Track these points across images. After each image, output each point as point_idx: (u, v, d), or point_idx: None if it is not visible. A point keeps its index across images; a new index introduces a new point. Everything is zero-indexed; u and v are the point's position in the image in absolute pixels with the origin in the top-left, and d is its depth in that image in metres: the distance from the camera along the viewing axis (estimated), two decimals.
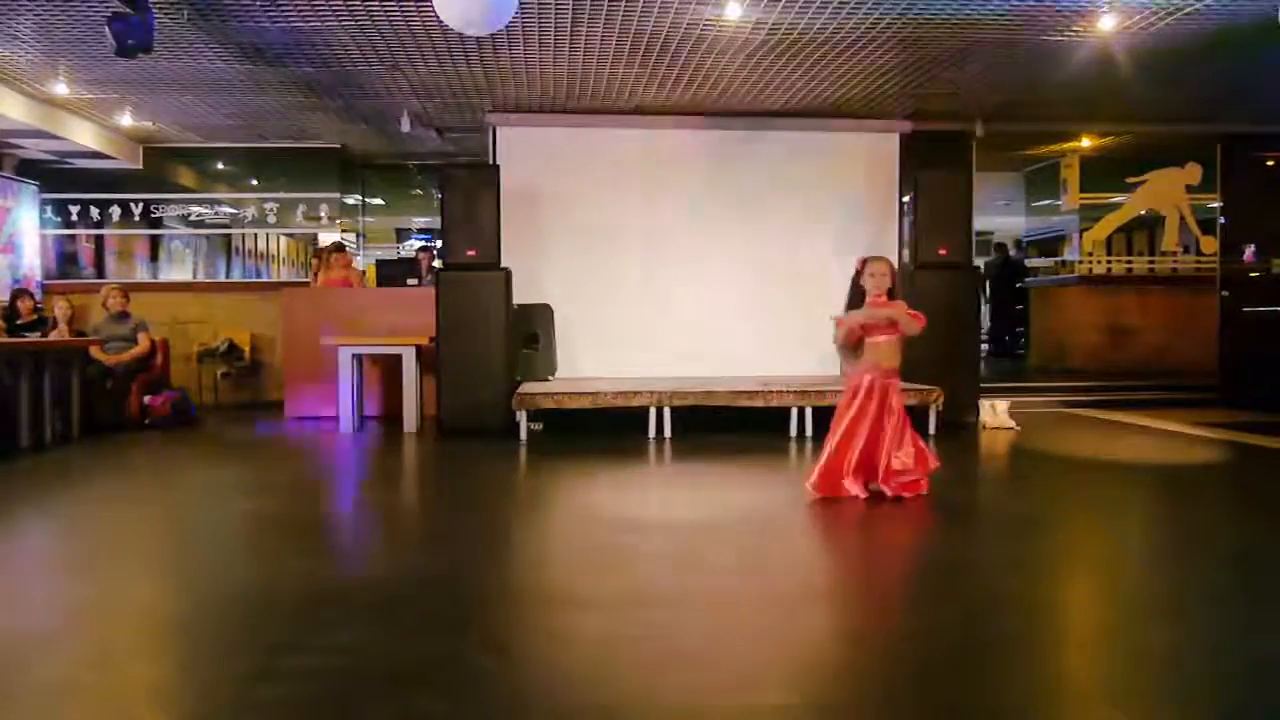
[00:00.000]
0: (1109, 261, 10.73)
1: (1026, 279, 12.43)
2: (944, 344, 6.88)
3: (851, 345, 4.78)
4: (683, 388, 7.15)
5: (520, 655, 2.66)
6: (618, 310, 8.56)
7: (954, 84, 7.79)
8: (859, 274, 4.77)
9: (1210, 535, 4.23)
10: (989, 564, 3.73)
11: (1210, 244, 10.49)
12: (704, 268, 8.65)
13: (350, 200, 11.20)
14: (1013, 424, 7.45)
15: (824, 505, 4.58)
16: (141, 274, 10.80)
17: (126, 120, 8.76)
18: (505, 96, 8.21)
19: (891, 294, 4.75)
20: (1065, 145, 10.54)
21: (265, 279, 11.09)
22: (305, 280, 10.11)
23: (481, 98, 8.26)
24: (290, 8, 5.97)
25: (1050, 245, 11.92)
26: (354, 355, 7.57)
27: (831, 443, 4.72)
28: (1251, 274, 9.52)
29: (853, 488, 4.62)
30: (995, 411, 7.50)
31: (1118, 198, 10.64)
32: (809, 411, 7.05)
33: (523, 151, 8.52)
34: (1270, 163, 10.37)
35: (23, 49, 6.73)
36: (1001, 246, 14.02)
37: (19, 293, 8.61)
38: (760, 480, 5.67)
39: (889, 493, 4.62)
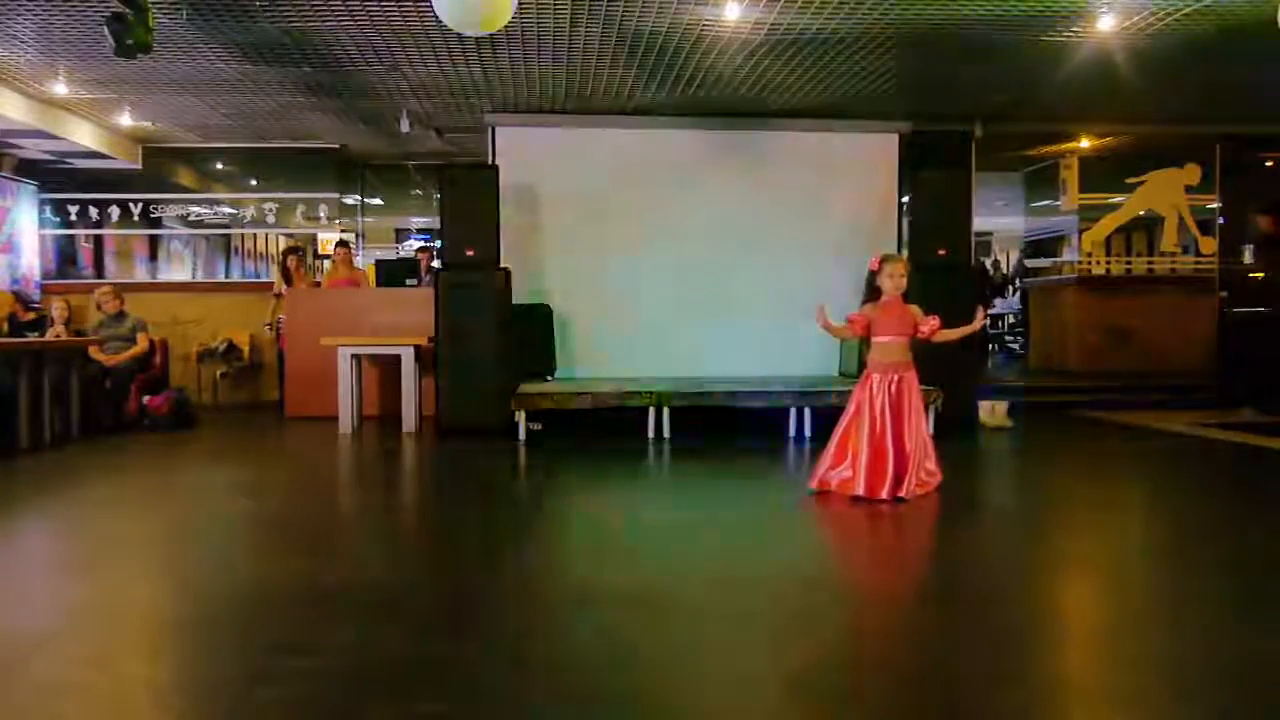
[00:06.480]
0: (1108, 262, 10.73)
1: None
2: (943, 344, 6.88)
3: (850, 337, 4.82)
4: (682, 388, 7.15)
5: (520, 655, 2.65)
6: (617, 310, 8.55)
7: (953, 84, 7.80)
8: (875, 272, 4.75)
9: (1209, 535, 4.23)
10: (990, 563, 3.73)
11: (1209, 244, 10.50)
12: (704, 268, 8.64)
13: (349, 200, 11.20)
14: (1011, 424, 7.46)
15: (824, 505, 4.58)
16: (141, 274, 10.81)
17: (126, 120, 8.76)
18: (504, 96, 8.21)
19: (905, 296, 4.74)
20: (1065, 145, 10.54)
21: (265, 279, 11.09)
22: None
23: (480, 98, 8.26)
24: (290, 8, 5.97)
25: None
26: (353, 355, 7.57)
27: (833, 443, 4.71)
28: (1250, 274, 9.53)
29: (866, 489, 4.53)
30: (994, 411, 7.51)
31: (1117, 198, 10.64)
32: (808, 412, 7.05)
33: (522, 151, 8.51)
34: (1270, 163, 10.38)
35: (23, 49, 6.72)
36: None
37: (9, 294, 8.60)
38: (760, 480, 5.67)
39: (906, 495, 4.56)
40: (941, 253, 7.38)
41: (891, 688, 2.43)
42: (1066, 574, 3.71)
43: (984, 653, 2.65)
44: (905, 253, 8.03)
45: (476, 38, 6.38)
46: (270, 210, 10.24)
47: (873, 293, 4.76)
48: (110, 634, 2.87)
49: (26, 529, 4.47)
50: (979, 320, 5.00)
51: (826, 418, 7.02)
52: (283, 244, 10.78)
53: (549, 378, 8.01)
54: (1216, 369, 9.37)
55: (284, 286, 9.05)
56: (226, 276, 11.36)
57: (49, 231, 10.02)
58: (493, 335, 7.32)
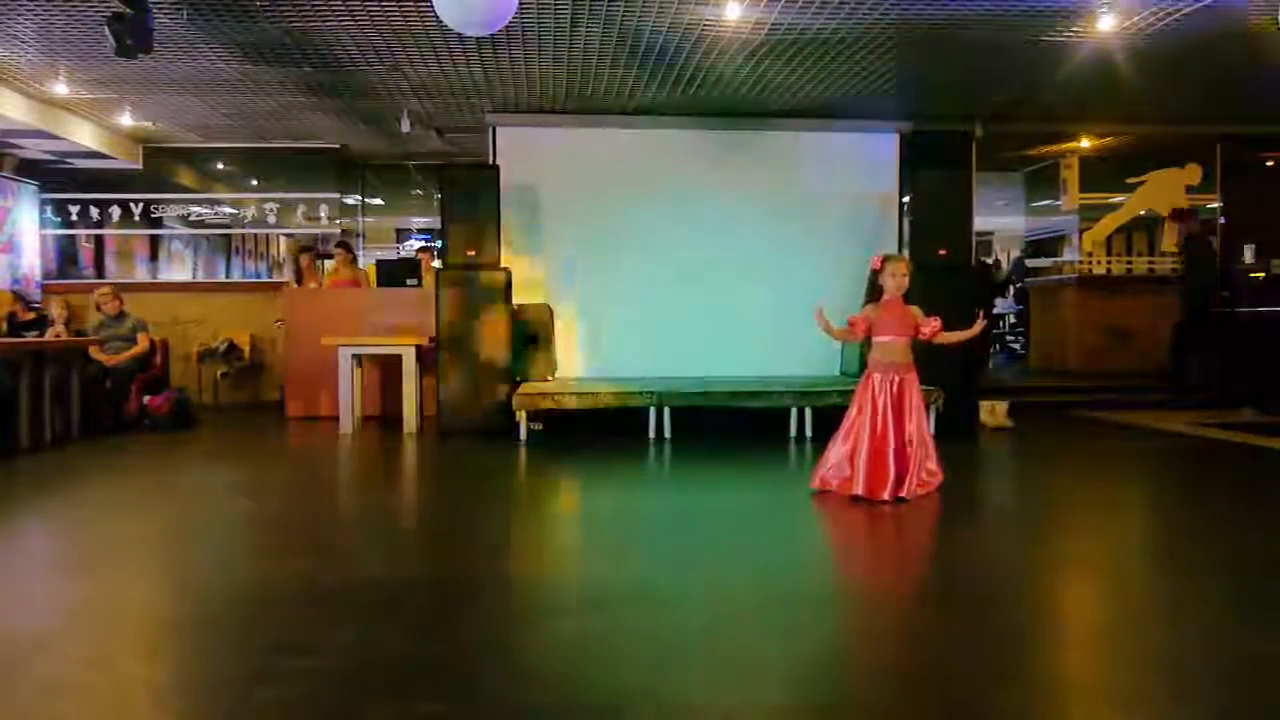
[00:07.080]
0: (1108, 262, 10.73)
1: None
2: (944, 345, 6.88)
3: (851, 338, 4.84)
4: (682, 388, 7.15)
5: (520, 655, 2.66)
6: (617, 310, 8.55)
7: (953, 84, 7.79)
8: (878, 272, 4.76)
9: (1210, 535, 4.23)
10: (990, 563, 3.73)
11: None
12: (704, 268, 8.64)
13: (350, 200, 11.20)
14: (1011, 424, 7.45)
15: (825, 505, 4.58)
16: (141, 274, 10.80)
17: (126, 120, 8.76)
18: (505, 97, 8.21)
19: (907, 296, 4.75)
20: (1065, 145, 10.54)
21: (266, 279, 11.09)
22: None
23: (481, 98, 8.26)
24: (290, 8, 5.97)
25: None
26: (354, 355, 7.57)
27: (836, 442, 4.72)
28: (1251, 274, 9.52)
29: (866, 489, 4.55)
30: (994, 412, 7.51)
31: (1117, 198, 10.64)
32: (808, 412, 7.04)
33: (523, 151, 8.51)
34: (1270, 163, 10.37)
35: (23, 49, 6.72)
36: None
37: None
38: (760, 480, 5.67)
39: (907, 495, 4.57)
40: (942, 253, 7.37)
41: (891, 688, 2.43)
42: (1067, 574, 3.71)
43: (984, 653, 2.65)
44: (906, 253, 8.04)
45: (477, 38, 6.38)
46: (271, 210, 10.23)
47: (875, 292, 4.77)
48: (110, 634, 2.87)
49: (26, 529, 4.47)
50: (978, 325, 4.96)
51: (827, 418, 7.03)
52: (284, 245, 10.77)
53: (549, 378, 8.01)
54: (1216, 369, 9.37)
55: (296, 284, 9.07)
56: (227, 276, 11.34)
57: (50, 231, 10.02)
58: (494, 335, 7.32)
